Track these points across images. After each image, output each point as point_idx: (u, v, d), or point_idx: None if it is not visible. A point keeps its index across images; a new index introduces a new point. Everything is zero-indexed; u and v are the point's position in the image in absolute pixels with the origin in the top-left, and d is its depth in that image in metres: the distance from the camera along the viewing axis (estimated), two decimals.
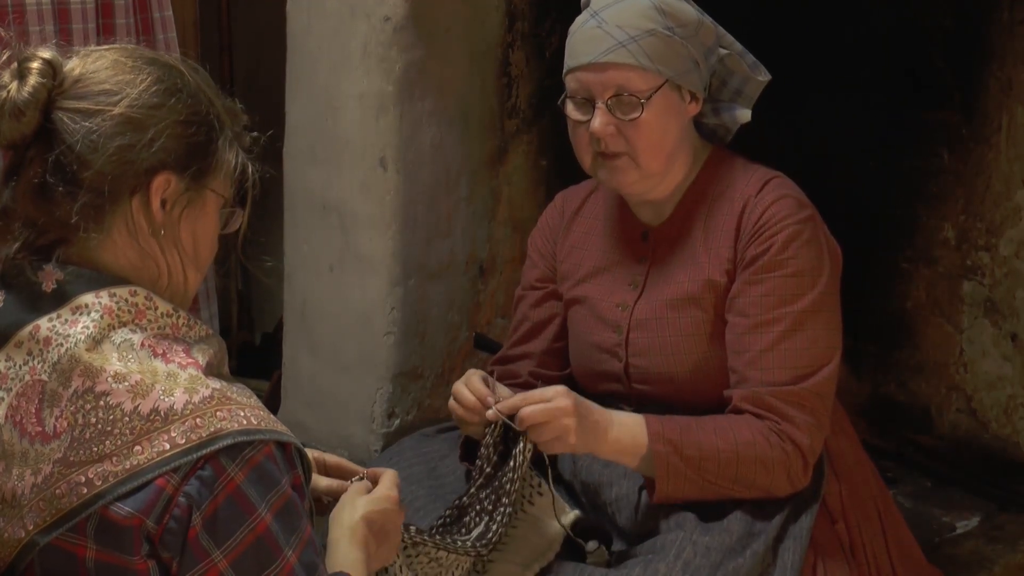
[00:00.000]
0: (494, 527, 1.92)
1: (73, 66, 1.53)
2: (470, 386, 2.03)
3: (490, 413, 1.96)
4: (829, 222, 2.18)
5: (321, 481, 1.82)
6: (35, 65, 1.49)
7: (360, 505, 1.71)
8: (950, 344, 3.02)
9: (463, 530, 1.95)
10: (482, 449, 1.97)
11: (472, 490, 1.98)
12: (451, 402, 2.07)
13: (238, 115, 1.63)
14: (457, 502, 2.00)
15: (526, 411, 1.93)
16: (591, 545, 2.01)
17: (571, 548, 2.02)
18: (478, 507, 1.96)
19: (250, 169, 1.61)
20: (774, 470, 2.01)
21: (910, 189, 3.03)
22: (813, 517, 2.05)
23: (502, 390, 2.02)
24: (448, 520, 1.99)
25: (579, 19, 2.13)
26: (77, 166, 1.49)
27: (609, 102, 2.06)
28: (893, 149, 3.05)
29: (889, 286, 3.11)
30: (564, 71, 2.14)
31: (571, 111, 2.12)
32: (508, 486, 1.93)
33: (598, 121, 2.06)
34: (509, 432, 1.95)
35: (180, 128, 1.53)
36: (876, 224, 3.10)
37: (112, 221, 1.52)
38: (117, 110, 1.49)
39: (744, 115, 2.20)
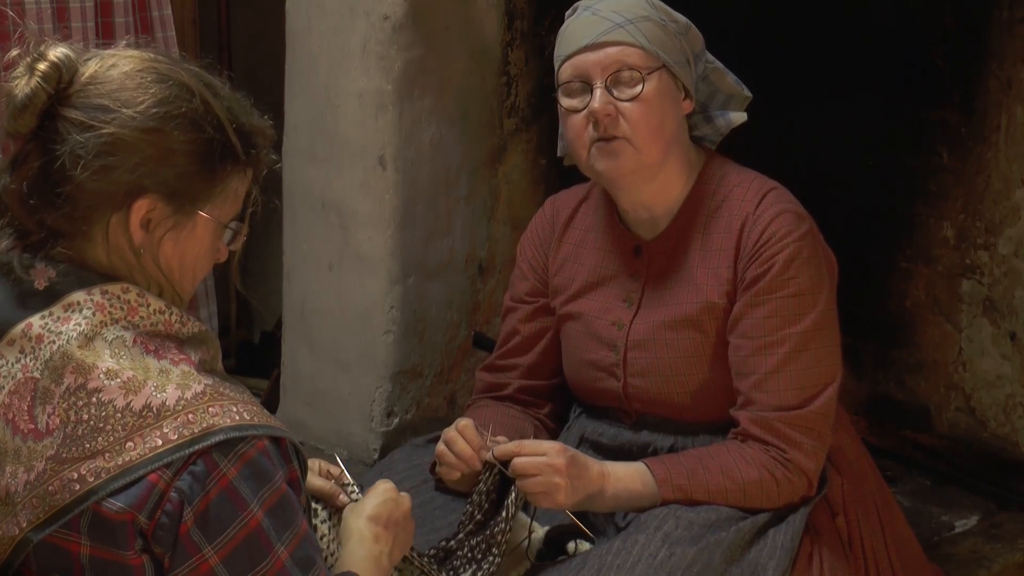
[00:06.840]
0: (480, 575, 1.94)
1: (85, 70, 1.50)
2: (465, 435, 2.01)
3: (486, 455, 1.97)
4: (828, 221, 2.17)
5: (315, 481, 1.82)
6: (41, 67, 1.48)
7: (362, 508, 1.74)
8: (949, 343, 3.02)
9: (452, 573, 1.95)
10: (474, 496, 1.98)
11: (461, 535, 1.98)
12: (440, 446, 2.05)
13: (265, 133, 1.59)
14: (444, 543, 1.99)
15: (518, 462, 1.94)
16: (571, 547, 2.01)
17: (555, 553, 2.02)
18: (469, 555, 1.96)
19: (255, 192, 1.59)
20: (780, 501, 2.03)
21: (909, 188, 3.03)
22: (809, 507, 2.05)
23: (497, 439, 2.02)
24: (434, 561, 1.98)
25: (570, 15, 2.12)
26: (59, 178, 1.47)
27: (608, 81, 2.04)
28: (893, 148, 3.05)
29: (888, 285, 3.11)
30: (558, 63, 2.11)
31: (565, 100, 2.08)
32: (499, 537, 1.93)
33: (598, 100, 2.02)
34: (502, 479, 1.96)
35: (171, 156, 1.50)
36: (875, 223, 3.10)
37: (93, 232, 1.51)
38: (108, 129, 1.47)
39: (740, 117, 2.18)
